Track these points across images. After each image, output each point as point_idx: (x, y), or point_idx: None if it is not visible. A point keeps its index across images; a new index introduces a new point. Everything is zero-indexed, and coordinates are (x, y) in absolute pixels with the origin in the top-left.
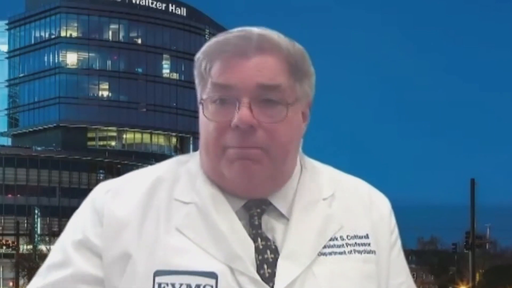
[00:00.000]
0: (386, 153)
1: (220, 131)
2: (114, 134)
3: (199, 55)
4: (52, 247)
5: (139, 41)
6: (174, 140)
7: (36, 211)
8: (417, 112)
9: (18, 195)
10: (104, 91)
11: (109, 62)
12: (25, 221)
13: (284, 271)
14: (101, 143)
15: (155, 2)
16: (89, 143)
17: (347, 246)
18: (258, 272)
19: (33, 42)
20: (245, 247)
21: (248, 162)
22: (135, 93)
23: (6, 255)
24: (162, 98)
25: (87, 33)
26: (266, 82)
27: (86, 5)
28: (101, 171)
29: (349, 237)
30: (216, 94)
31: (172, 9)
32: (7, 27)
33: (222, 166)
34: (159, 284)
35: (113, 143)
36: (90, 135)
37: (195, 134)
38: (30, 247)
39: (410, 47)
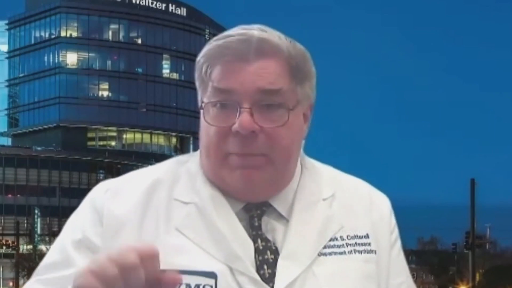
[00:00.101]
0: (386, 153)
1: (221, 136)
2: (114, 134)
3: (199, 59)
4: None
5: (139, 41)
6: (174, 140)
7: (36, 211)
8: (417, 112)
9: (18, 195)
10: (104, 91)
11: (109, 62)
12: (25, 221)
13: (284, 271)
14: (101, 143)
15: (155, 2)
16: (89, 143)
17: (347, 246)
18: (258, 272)
19: (33, 42)
20: (245, 248)
21: (250, 170)
22: (135, 93)
23: (6, 255)
24: (162, 98)
25: (87, 33)
26: (266, 87)
27: (86, 5)
28: (101, 171)
29: (349, 237)
30: (217, 98)
31: (172, 9)
32: (7, 27)
33: (224, 172)
34: None
35: (113, 143)
36: (90, 135)
37: (195, 134)
38: (30, 247)
39: (410, 47)
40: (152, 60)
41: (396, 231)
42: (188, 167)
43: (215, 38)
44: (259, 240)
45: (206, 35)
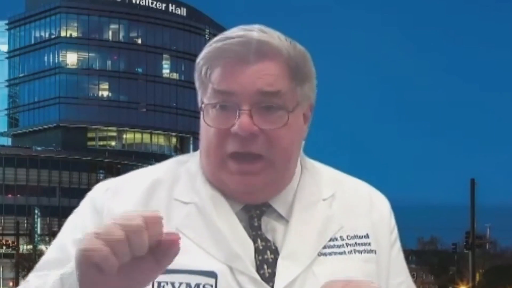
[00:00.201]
0: (386, 153)
1: (221, 138)
2: (114, 134)
3: (199, 60)
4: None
5: (139, 41)
6: (174, 140)
7: (36, 211)
8: (417, 112)
9: (18, 195)
10: (104, 91)
11: (109, 62)
12: (25, 221)
13: (284, 271)
14: (101, 143)
15: (155, 2)
16: (89, 143)
17: (347, 246)
18: (258, 272)
19: (33, 42)
20: (245, 247)
21: (249, 176)
22: (135, 93)
23: (6, 255)
24: (162, 98)
25: (87, 33)
26: (266, 89)
27: (86, 5)
28: (101, 171)
29: (349, 237)
30: (217, 100)
31: (172, 9)
32: (7, 27)
33: (223, 174)
34: (159, 283)
35: (113, 143)
36: (90, 135)
37: (195, 134)
38: (30, 247)
39: (410, 47)
40: (152, 60)
41: (395, 231)
42: (188, 167)
43: (214, 39)
44: (259, 240)
45: (206, 35)
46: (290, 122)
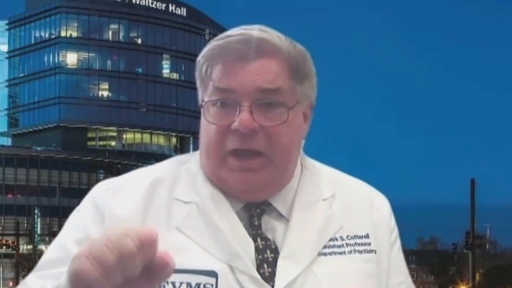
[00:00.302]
0: (386, 153)
1: (221, 135)
2: (114, 134)
3: (200, 59)
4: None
5: (139, 41)
6: (174, 140)
7: (36, 211)
8: (417, 112)
9: (18, 195)
10: (104, 91)
11: (109, 62)
12: (25, 221)
13: (284, 270)
14: (101, 143)
15: (155, 2)
16: (89, 143)
17: (347, 246)
18: (258, 271)
19: (33, 42)
20: (245, 247)
21: (250, 174)
22: (135, 93)
23: (6, 255)
24: (162, 98)
25: (87, 33)
26: (266, 86)
27: (86, 5)
28: (101, 171)
29: (349, 237)
30: (217, 97)
31: (172, 9)
32: (7, 27)
33: (223, 172)
34: None
35: (113, 143)
36: (90, 135)
37: (195, 134)
38: (30, 247)
39: (410, 47)
40: (152, 60)
41: (395, 231)
42: (188, 166)
43: (215, 38)
44: (259, 239)
45: (206, 35)
46: (290, 119)
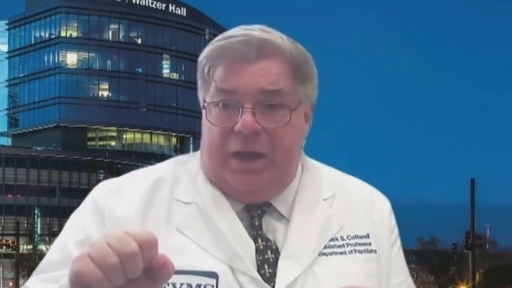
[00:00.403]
0: (386, 153)
1: (224, 136)
2: (114, 134)
3: (201, 59)
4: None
5: (139, 41)
6: (174, 140)
7: (36, 211)
8: (417, 112)
9: (18, 195)
10: (104, 91)
11: (109, 62)
12: (25, 221)
13: (285, 271)
14: (101, 143)
15: (155, 2)
16: (89, 143)
17: (347, 246)
18: (259, 272)
19: (33, 42)
20: (246, 247)
21: (252, 175)
22: (135, 93)
23: (6, 255)
24: (162, 98)
25: (87, 33)
26: (268, 87)
27: (86, 5)
28: (101, 171)
29: (349, 237)
30: (219, 98)
31: (172, 9)
32: (7, 27)
33: (225, 173)
34: None
35: (113, 143)
36: (90, 135)
37: (195, 134)
38: (30, 247)
39: (410, 47)
40: (152, 60)
41: (396, 231)
42: (189, 167)
43: (217, 38)
44: (259, 240)
45: (206, 35)
46: (292, 121)
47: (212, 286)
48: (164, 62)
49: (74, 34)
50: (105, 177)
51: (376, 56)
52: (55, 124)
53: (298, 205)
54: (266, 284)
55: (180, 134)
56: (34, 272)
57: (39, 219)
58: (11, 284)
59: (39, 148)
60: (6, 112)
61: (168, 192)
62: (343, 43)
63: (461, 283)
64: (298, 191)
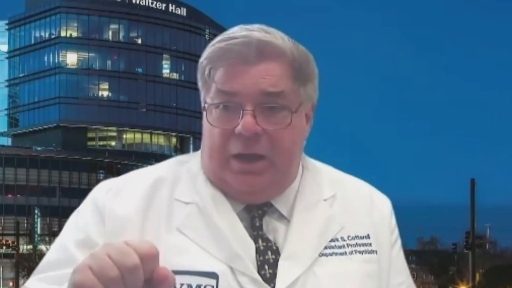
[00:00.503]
0: (386, 153)
1: (224, 138)
2: (114, 134)
3: (202, 60)
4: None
5: (139, 41)
6: (174, 140)
7: (36, 211)
8: (417, 112)
9: (18, 195)
10: (104, 91)
11: (109, 62)
12: (25, 221)
13: (285, 272)
14: (101, 143)
15: (155, 2)
16: (89, 143)
17: (348, 247)
18: (259, 272)
19: (33, 42)
20: (246, 248)
21: (252, 176)
22: (135, 93)
23: (6, 255)
24: (162, 98)
25: (87, 33)
26: (269, 89)
27: (86, 5)
28: (101, 171)
29: (350, 238)
30: (220, 100)
31: (172, 9)
32: (7, 27)
33: (226, 174)
34: None
35: (113, 143)
36: (90, 135)
37: (195, 134)
38: (30, 247)
39: (410, 47)
40: (152, 60)
41: (396, 231)
42: (189, 167)
43: (217, 39)
44: (260, 240)
45: (206, 35)
46: (293, 122)
47: (212, 286)
48: (164, 62)
49: (74, 34)
50: (105, 177)
51: (376, 56)
52: (55, 124)
53: (299, 206)
54: (266, 285)
55: (180, 134)
56: (34, 272)
57: (39, 219)
58: (11, 284)
59: (39, 148)
60: (6, 112)
61: (168, 192)
62: (343, 43)
63: (461, 283)
64: (299, 191)
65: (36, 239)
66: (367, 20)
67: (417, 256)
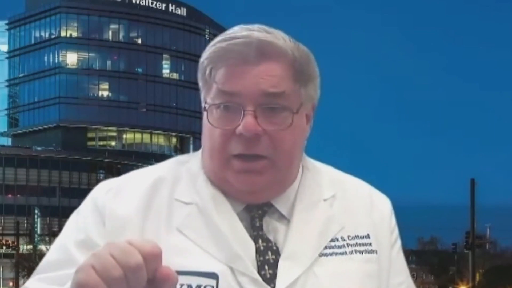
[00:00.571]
0: (386, 153)
1: (225, 138)
2: (114, 134)
3: (203, 60)
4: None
5: (139, 41)
6: (174, 140)
7: (36, 211)
8: (417, 112)
9: (18, 195)
10: (104, 91)
11: (109, 62)
12: (25, 221)
13: (285, 272)
14: (101, 143)
15: (155, 2)
16: (89, 143)
17: (348, 247)
18: (259, 273)
19: (33, 42)
20: (246, 248)
21: (253, 176)
22: (135, 93)
23: (6, 255)
24: (162, 98)
25: (87, 33)
26: (270, 90)
27: (86, 5)
28: (101, 171)
29: (350, 238)
30: (221, 100)
31: (172, 9)
32: (7, 27)
33: (227, 174)
34: None
35: (113, 143)
36: (90, 135)
37: (195, 134)
38: (30, 247)
39: (410, 47)
40: (152, 60)
41: (396, 231)
42: (189, 167)
43: (218, 39)
44: (260, 241)
45: (206, 35)
46: (294, 123)
47: (212, 286)
48: (164, 62)
49: (74, 34)
50: (105, 177)
51: (376, 56)
52: (55, 124)
53: (299, 206)
54: (266, 285)
55: (180, 134)
56: (34, 272)
57: (39, 219)
58: (11, 284)
59: (39, 148)
60: (6, 112)
61: (168, 192)
62: (343, 43)
63: (461, 283)
64: (299, 192)
65: (36, 239)
66: (367, 20)
67: (417, 256)
